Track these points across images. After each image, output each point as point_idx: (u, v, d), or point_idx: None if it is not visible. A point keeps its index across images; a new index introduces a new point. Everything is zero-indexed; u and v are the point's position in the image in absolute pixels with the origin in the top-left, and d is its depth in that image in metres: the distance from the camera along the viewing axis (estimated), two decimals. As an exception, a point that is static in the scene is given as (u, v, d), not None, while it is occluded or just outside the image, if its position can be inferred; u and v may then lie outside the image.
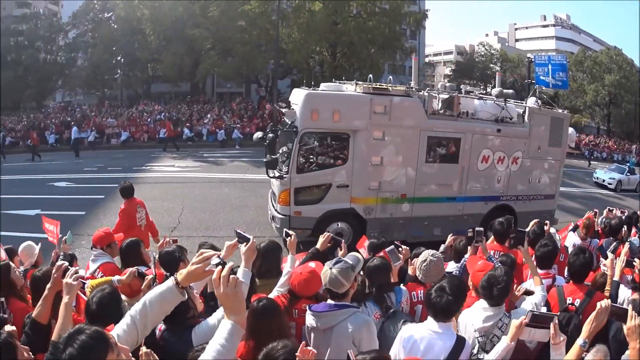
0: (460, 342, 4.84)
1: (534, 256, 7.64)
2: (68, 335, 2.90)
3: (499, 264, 6.75)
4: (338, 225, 14.85)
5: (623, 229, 11.92)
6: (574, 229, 11.84)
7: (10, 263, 6.48)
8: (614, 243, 9.65)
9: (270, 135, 14.76)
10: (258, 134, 16.48)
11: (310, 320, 5.19)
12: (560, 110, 18.73)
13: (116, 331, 3.58)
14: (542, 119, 17.03)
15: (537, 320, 4.54)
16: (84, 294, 5.92)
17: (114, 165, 33.48)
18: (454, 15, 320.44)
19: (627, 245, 8.13)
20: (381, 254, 7.10)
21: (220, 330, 3.31)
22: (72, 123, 47.74)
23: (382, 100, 14.39)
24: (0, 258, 7.41)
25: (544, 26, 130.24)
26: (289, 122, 14.73)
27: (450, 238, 9.47)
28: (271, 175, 14.77)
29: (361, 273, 5.78)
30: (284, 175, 14.43)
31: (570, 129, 18.71)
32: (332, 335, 5.01)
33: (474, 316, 5.52)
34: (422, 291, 6.46)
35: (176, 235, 15.43)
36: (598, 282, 7.28)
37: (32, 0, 78.07)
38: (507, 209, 16.56)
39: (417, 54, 71.97)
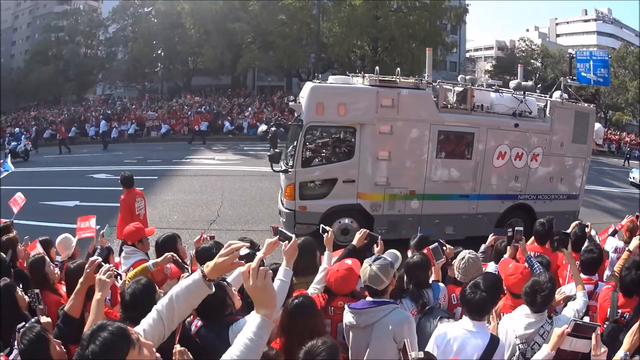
0: (494, 341, 4.77)
1: (578, 261, 7.31)
2: (91, 332, 2.86)
3: (539, 266, 6.64)
4: (344, 221, 14.28)
5: None
6: (614, 233, 10.88)
7: (45, 257, 6.80)
8: None
9: (273, 128, 14.36)
10: (262, 127, 16.23)
11: (349, 318, 5.08)
12: (585, 104, 17.51)
13: (142, 326, 3.49)
14: (565, 114, 15.85)
15: (579, 330, 4.36)
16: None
17: (154, 157, 33.55)
18: (495, 10, 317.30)
19: None
20: (424, 251, 6.93)
21: (249, 324, 3.21)
22: (100, 117, 48.40)
23: (389, 93, 13.75)
24: (38, 251, 7.62)
25: (585, 21, 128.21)
26: (297, 116, 14.50)
27: (491, 238, 9.14)
28: (276, 169, 14.35)
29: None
30: (289, 170, 14.04)
31: (598, 125, 17.71)
32: (373, 333, 4.92)
33: (516, 322, 5.35)
34: (461, 292, 6.11)
35: (215, 228, 15.39)
36: None
37: (73, -1, 79.41)
38: (526, 208, 15.76)
39: (458, 49, 71.30)
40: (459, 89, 15.02)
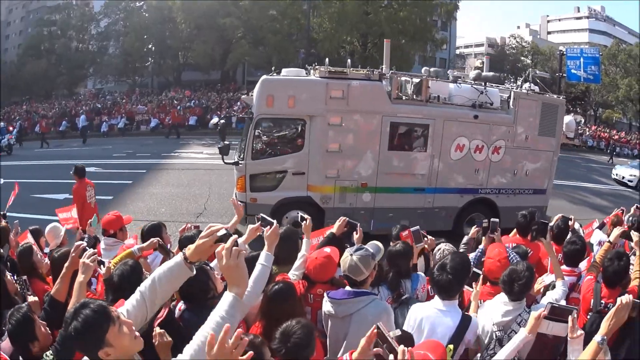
0: (465, 320, 4.90)
1: (560, 253, 7.47)
2: (74, 310, 3.05)
3: (515, 255, 6.74)
4: (293, 214, 13.72)
5: None
6: (601, 227, 10.98)
7: (33, 246, 6.87)
8: None
9: (222, 121, 14.07)
10: (214, 120, 15.85)
11: (328, 307, 5.11)
12: (555, 96, 16.84)
13: (126, 306, 3.55)
14: (530, 105, 15.40)
15: (556, 313, 4.39)
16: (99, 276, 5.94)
17: (143, 151, 33.69)
18: (487, 7, 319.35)
19: None
20: (406, 232, 7.17)
21: (222, 302, 3.29)
22: (81, 112, 48.83)
23: (339, 85, 13.48)
24: (27, 241, 7.71)
25: (577, 18, 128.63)
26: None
27: (474, 229, 8.93)
28: (227, 161, 13.99)
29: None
30: (240, 162, 13.91)
31: (569, 117, 17.30)
32: (351, 323, 4.93)
33: (493, 309, 5.36)
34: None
35: (201, 221, 15.41)
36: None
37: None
38: (488, 203, 15.37)
39: (448, 46, 71.28)
40: (416, 80, 14.57)
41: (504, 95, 15.61)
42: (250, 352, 2.97)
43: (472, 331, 4.94)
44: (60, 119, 47.46)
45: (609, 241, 7.23)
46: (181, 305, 5.02)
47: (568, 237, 8.06)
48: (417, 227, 7.20)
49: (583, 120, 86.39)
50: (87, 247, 5.12)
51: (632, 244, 7.33)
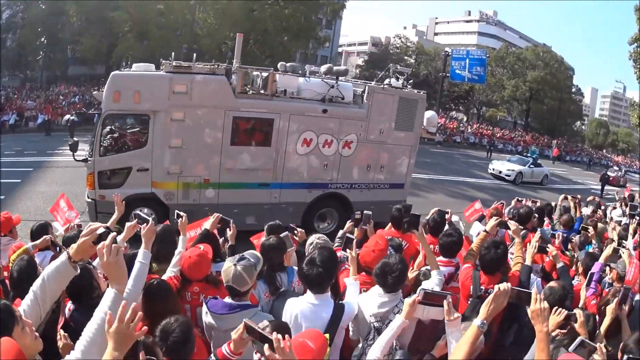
0: (338, 309, 4.96)
1: (437, 245, 7.70)
2: None
3: (391, 250, 6.55)
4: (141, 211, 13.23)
5: (534, 218, 11.26)
6: (480, 219, 11.68)
7: None
8: (523, 232, 9.16)
9: (72, 118, 13.91)
10: (66, 117, 15.62)
11: (209, 319, 5.02)
12: (415, 91, 16.92)
13: (22, 306, 3.64)
14: (385, 100, 15.51)
15: (429, 298, 4.49)
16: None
17: (30, 148, 32.30)
18: (377, 7, 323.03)
19: (538, 232, 7.93)
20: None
21: (104, 299, 3.48)
22: None
23: (182, 80, 13.23)
24: None
25: (467, 21, 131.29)
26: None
27: (348, 224, 8.69)
28: (76, 158, 13.72)
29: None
30: (89, 159, 13.59)
31: (431, 112, 17.59)
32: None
33: (369, 301, 5.33)
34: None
35: (85, 220, 14.26)
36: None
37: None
38: (339, 198, 15.53)
39: (330, 44, 71.58)
40: (264, 74, 14.52)
41: (358, 89, 15.54)
42: (145, 328, 3.18)
43: (347, 316, 5.04)
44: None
45: (486, 230, 7.47)
46: (70, 306, 4.95)
47: (445, 229, 8.25)
48: (287, 232, 7.14)
49: (466, 118, 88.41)
50: None
51: (511, 233, 7.64)
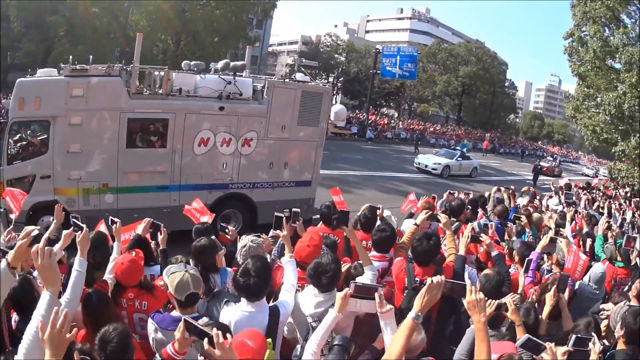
0: (274, 312, 4.92)
1: (370, 240, 7.59)
2: None
3: (325, 249, 6.47)
4: (48, 219, 12.42)
5: (467, 210, 11.34)
6: (411, 216, 11.13)
7: None
8: (456, 224, 9.79)
9: None
10: None
11: (159, 335, 4.84)
12: (320, 84, 16.59)
13: None
14: (286, 94, 15.00)
15: (361, 291, 4.41)
16: None
17: None
18: (307, 6, 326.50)
19: (469, 225, 8.33)
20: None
21: (41, 302, 3.54)
22: None
23: (80, 83, 12.52)
24: None
25: (399, 19, 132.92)
26: None
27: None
28: None
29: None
30: None
31: (339, 106, 17.20)
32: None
33: (306, 302, 5.35)
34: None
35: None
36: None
37: None
38: (242, 198, 14.95)
39: (261, 44, 71.51)
40: (162, 73, 14.13)
41: (258, 85, 15.05)
42: (76, 330, 3.24)
43: (284, 316, 5.00)
44: None
45: (416, 224, 7.26)
46: (15, 317, 4.98)
47: (377, 224, 8.14)
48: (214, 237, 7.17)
49: (397, 114, 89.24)
50: None
51: (441, 225, 7.62)
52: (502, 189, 14.71)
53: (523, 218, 11.15)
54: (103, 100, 12.67)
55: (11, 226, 9.18)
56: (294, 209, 7.44)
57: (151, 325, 4.92)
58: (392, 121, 70.62)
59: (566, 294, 6.36)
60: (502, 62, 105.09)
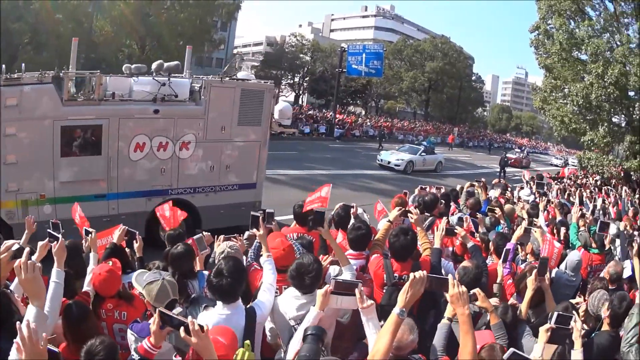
0: (250, 313, 4.93)
1: (346, 239, 7.47)
2: None
3: (299, 248, 6.75)
4: None
5: (440, 204, 11.41)
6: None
7: None
8: (430, 218, 9.84)
9: None
10: None
11: (139, 345, 4.38)
12: (262, 82, 15.87)
13: None
14: (225, 94, 14.37)
15: (342, 288, 4.46)
16: None
17: None
18: (271, 6, 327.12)
19: (444, 219, 8.56)
20: (189, 241, 6.93)
21: (26, 317, 3.62)
22: None
23: (12, 92, 11.71)
24: None
25: (364, 17, 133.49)
26: None
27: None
28: None
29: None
30: None
31: (284, 103, 16.32)
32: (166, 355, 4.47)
33: (287, 305, 5.33)
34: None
35: None
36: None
37: None
38: (183, 204, 13.87)
39: (225, 46, 71.10)
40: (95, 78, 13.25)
41: (196, 85, 14.49)
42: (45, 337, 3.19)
43: (261, 317, 5.02)
44: None
45: (389, 220, 7.31)
46: None
47: (351, 223, 8.00)
48: (200, 235, 7.16)
49: (364, 112, 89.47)
50: None
51: (413, 221, 7.58)
52: (476, 184, 14.64)
53: (497, 210, 11.18)
54: (36, 108, 12.08)
55: None
56: (267, 210, 7.41)
57: (131, 336, 4.80)
58: (360, 119, 70.63)
59: (546, 279, 6.44)
60: (468, 57, 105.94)
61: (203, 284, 6.07)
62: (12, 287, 5.06)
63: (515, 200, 16.70)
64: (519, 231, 8.04)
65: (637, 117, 29.99)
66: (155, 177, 13.73)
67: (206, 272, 6.32)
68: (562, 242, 9.92)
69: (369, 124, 66.12)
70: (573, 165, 44.47)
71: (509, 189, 19.42)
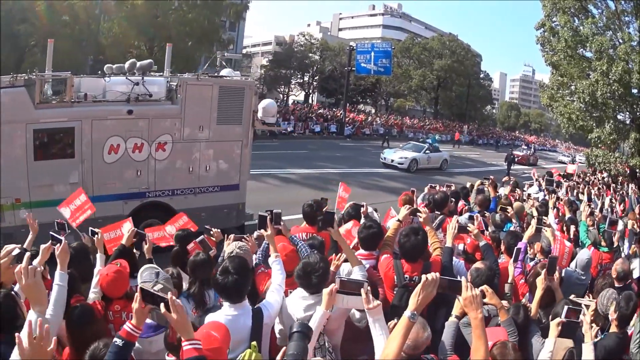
0: (257, 314, 4.86)
1: (357, 238, 7.24)
2: None
3: (305, 247, 6.61)
4: None
5: (450, 202, 11.05)
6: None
7: None
8: (440, 217, 9.65)
9: None
10: None
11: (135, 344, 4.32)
12: (242, 78, 15.38)
13: None
14: (202, 91, 13.80)
15: (347, 287, 4.34)
16: None
17: None
18: (280, 6, 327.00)
19: (455, 217, 8.00)
20: (192, 245, 6.97)
21: (27, 322, 3.38)
22: None
23: None
24: None
25: (372, 15, 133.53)
26: None
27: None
28: None
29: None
30: None
31: (268, 101, 15.54)
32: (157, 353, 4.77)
33: (295, 306, 5.21)
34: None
35: None
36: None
37: None
38: (162, 207, 13.68)
39: (234, 46, 71.02)
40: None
41: (173, 84, 13.90)
42: (55, 339, 3.21)
43: (268, 318, 4.93)
44: None
45: (399, 220, 7.16)
46: None
47: (362, 222, 7.94)
48: (202, 237, 7.09)
49: (374, 110, 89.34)
50: None
51: (421, 220, 7.41)
52: (486, 182, 14.63)
53: (509, 209, 10.91)
54: (9, 112, 11.68)
55: None
56: (275, 210, 6.92)
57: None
58: (370, 117, 70.56)
59: (555, 278, 6.29)
60: (475, 54, 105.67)
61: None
62: (16, 289, 4.97)
63: (525, 197, 16.42)
64: (530, 230, 7.96)
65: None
66: (131, 180, 13.30)
67: None
68: (572, 240, 9.70)
69: (379, 122, 65.86)
70: (581, 163, 44.23)
71: (518, 186, 19.05)
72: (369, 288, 4.25)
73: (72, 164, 12.42)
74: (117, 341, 3.70)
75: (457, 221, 7.30)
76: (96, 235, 6.79)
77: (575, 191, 19.46)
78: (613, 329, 5.65)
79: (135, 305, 3.68)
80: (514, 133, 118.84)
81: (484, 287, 5.36)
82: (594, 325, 5.50)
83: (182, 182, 13.98)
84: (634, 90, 30.39)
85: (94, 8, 46.90)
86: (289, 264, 5.80)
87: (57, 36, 45.30)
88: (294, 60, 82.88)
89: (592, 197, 18.34)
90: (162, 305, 3.50)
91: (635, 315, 5.71)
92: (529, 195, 17.23)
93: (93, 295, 5.62)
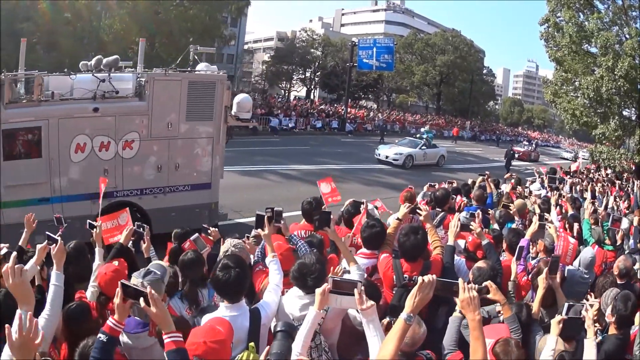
0: (255, 315, 4.84)
1: (359, 237, 7.24)
2: None
3: (305, 246, 6.58)
4: None
5: (451, 199, 11.28)
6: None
7: None
8: (441, 214, 9.80)
9: None
10: None
11: (125, 339, 4.70)
12: (215, 72, 14.90)
13: None
14: (169, 87, 13.49)
15: (340, 287, 4.21)
16: None
17: None
18: (282, 2, 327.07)
19: (456, 215, 8.23)
20: (187, 243, 7.06)
21: (16, 322, 3.27)
22: None
23: None
24: None
25: (374, 11, 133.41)
26: None
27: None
28: None
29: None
30: None
31: (243, 95, 15.45)
32: (153, 351, 4.74)
33: (290, 306, 5.20)
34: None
35: None
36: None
37: None
38: (130, 206, 12.02)
39: (236, 42, 70.86)
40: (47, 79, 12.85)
41: (142, 80, 13.52)
42: (42, 332, 3.26)
43: (266, 318, 4.89)
44: None
45: (398, 218, 7.11)
46: None
47: (365, 221, 7.62)
48: (197, 234, 7.19)
49: (376, 106, 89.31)
50: None
51: (422, 218, 7.30)
52: (480, 178, 14.43)
53: (512, 206, 10.88)
54: None
55: None
56: (276, 208, 6.82)
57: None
58: (371, 113, 70.47)
59: (557, 277, 6.23)
60: (479, 50, 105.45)
61: (213, 293, 5.96)
62: None
63: (527, 194, 16.11)
64: (533, 227, 7.89)
65: (648, 110, 30.04)
66: (97, 179, 12.10)
67: None
68: (576, 237, 9.34)
69: (380, 118, 65.57)
70: (584, 159, 44.24)
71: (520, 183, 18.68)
72: (362, 288, 4.16)
73: (40, 163, 12.29)
74: (101, 336, 3.76)
75: (459, 219, 7.26)
76: (94, 229, 6.79)
77: (578, 188, 19.34)
78: (612, 330, 5.61)
79: (116, 300, 3.74)
80: (517, 129, 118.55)
81: (488, 282, 5.30)
82: (597, 324, 5.50)
83: (151, 181, 13.79)
84: (640, 86, 30.30)
85: (96, 5, 47.27)
86: (284, 263, 5.69)
87: (59, 34, 46.16)
88: (295, 56, 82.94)
89: (597, 194, 18.18)
90: (141, 299, 3.55)
91: (639, 314, 5.58)
92: (531, 192, 17.08)
93: (92, 289, 5.65)
